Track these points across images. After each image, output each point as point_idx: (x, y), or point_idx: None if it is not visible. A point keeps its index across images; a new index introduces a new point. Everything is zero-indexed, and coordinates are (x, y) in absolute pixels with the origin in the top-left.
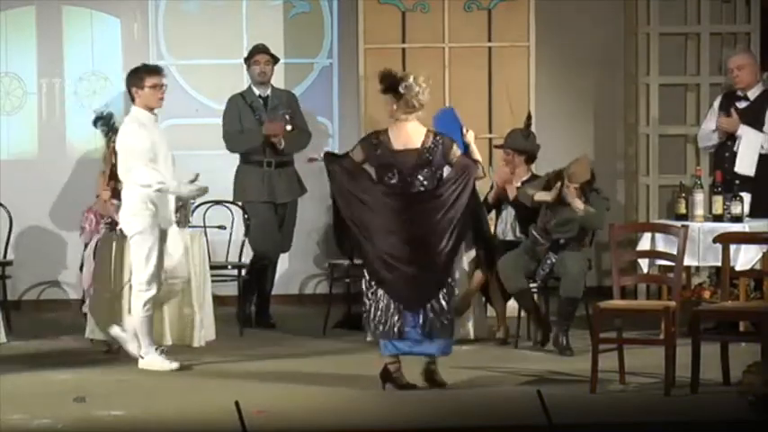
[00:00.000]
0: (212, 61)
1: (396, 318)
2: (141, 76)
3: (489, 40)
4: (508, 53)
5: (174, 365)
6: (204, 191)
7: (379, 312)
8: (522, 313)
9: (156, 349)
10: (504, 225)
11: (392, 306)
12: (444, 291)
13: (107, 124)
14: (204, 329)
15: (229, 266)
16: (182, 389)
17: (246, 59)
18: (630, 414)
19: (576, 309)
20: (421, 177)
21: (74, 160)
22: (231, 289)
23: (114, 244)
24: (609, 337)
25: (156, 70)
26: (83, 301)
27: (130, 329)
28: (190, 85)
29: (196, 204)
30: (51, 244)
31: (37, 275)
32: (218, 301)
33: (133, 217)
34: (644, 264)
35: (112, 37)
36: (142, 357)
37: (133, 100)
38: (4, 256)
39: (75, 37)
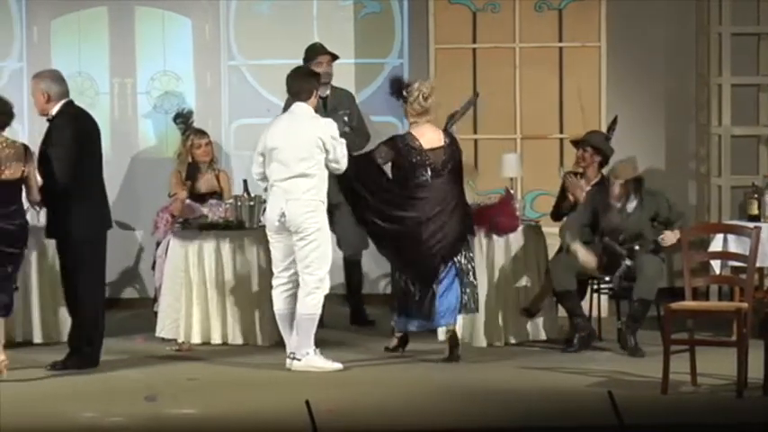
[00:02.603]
0: (283, 61)
1: (430, 297)
2: (319, 81)
3: (560, 41)
4: (579, 53)
5: (338, 365)
6: None
7: (417, 297)
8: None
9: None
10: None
11: (424, 289)
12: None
13: (185, 122)
14: (273, 329)
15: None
16: (252, 387)
17: (306, 60)
18: (702, 416)
19: (647, 311)
20: (446, 171)
21: (145, 159)
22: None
23: (188, 243)
24: (680, 339)
25: None
26: (155, 300)
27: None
28: (261, 84)
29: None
30: (123, 243)
31: (108, 274)
32: None
33: (313, 213)
34: (716, 265)
35: (184, 37)
36: (298, 359)
37: (307, 99)
38: None
39: (146, 37)
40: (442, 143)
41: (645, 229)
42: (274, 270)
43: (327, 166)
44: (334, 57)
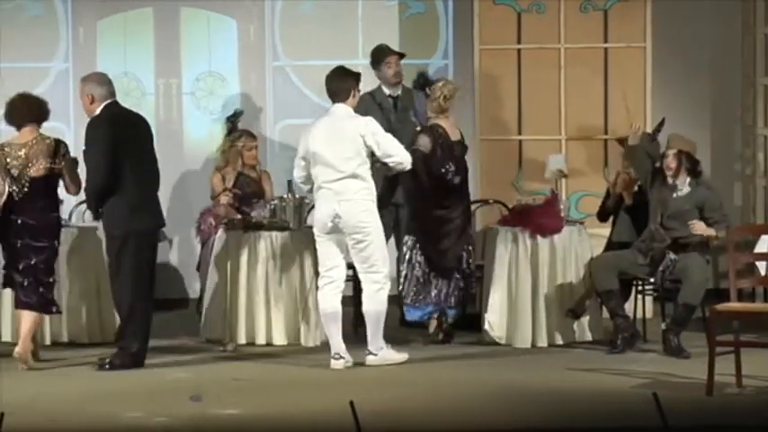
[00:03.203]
0: (328, 62)
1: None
2: (358, 80)
3: (605, 41)
4: (624, 54)
5: (405, 355)
6: None
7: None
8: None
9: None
10: (619, 227)
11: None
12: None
13: (233, 122)
14: (319, 329)
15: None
16: (296, 388)
17: (374, 63)
18: (747, 417)
19: (691, 315)
20: (462, 165)
21: (191, 160)
22: (347, 289)
23: (233, 244)
24: (726, 340)
25: None
26: (200, 301)
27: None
28: (305, 85)
29: (311, 205)
30: (169, 243)
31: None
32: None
33: (368, 213)
34: (761, 266)
35: (229, 38)
36: (374, 354)
37: (345, 99)
38: None
39: (192, 38)
40: (459, 137)
41: (689, 215)
42: (321, 269)
43: (388, 166)
44: (402, 55)
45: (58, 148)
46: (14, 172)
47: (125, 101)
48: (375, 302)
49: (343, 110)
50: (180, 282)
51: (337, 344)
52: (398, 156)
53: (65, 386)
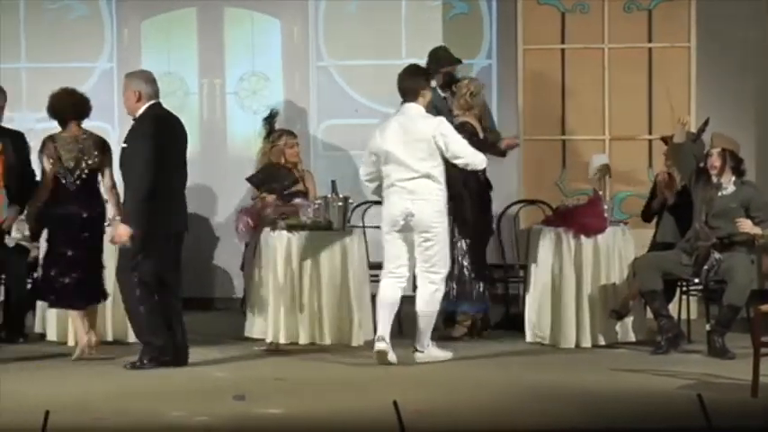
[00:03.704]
0: (371, 62)
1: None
2: (429, 79)
3: (649, 41)
4: (669, 54)
5: (450, 354)
6: None
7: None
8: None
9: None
10: (664, 228)
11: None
12: None
13: (270, 123)
14: (363, 329)
15: None
16: (339, 387)
17: (435, 66)
18: None
19: (736, 316)
20: None
21: (234, 160)
22: None
23: (277, 243)
24: None
25: None
26: (243, 300)
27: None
28: (349, 85)
29: (355, 204)
30: (212, 242)
31: (196, 274)
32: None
33: (441, 214)
34: None
35: (273, 38)
36: (421, 351)
37: (414, 99)
38: None
39: (235, 38)
40: (482, 135)
41: (734, 213)
42: (388, 265)
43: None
44: (459, 61)
45: (104, 144)
46: (70, 164)
47: (169, 100)
48: (430, 303)
49: (415, 109)
50: (225, 281)
51: (384, 329)
52: (466, 157)
53: (108, 384)
